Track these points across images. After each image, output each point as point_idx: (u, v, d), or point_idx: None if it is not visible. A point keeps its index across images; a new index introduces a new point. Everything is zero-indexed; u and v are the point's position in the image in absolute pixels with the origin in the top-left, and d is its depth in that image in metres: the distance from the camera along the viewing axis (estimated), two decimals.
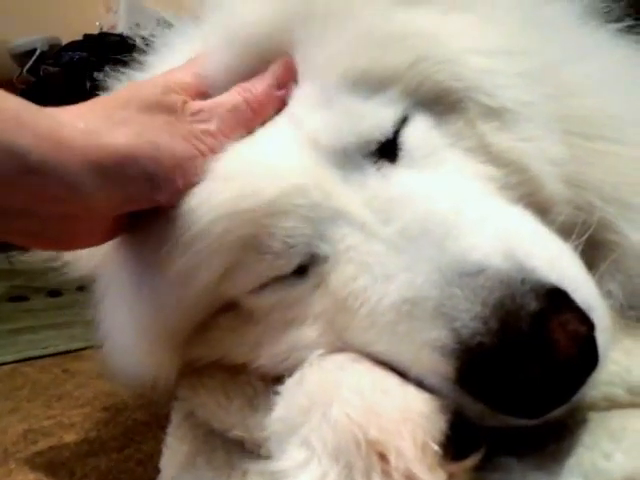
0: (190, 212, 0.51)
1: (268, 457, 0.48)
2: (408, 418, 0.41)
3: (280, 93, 0.55)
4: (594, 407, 0.46)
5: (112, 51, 2.26)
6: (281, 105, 0.55)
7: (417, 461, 0.39)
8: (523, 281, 0.42)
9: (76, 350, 1.31)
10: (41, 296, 1.74)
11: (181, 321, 0.56)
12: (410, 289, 0.45)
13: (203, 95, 0.55)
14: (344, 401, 0.43)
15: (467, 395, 0.42)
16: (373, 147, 0.53)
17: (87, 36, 2.60)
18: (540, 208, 0.54)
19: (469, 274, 0.43)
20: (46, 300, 1.72)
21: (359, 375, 0.47)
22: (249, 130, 0.54)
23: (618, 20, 0.63)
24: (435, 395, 0.44)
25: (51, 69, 2.53)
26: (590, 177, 0.55)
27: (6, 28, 2.87)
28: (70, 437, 0.89)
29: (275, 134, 0.53)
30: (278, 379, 0.51)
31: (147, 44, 0.66)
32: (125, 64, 0.66)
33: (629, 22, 0.63)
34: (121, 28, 2.69)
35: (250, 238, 0.51)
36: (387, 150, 0.53)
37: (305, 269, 0.52)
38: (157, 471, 0.60)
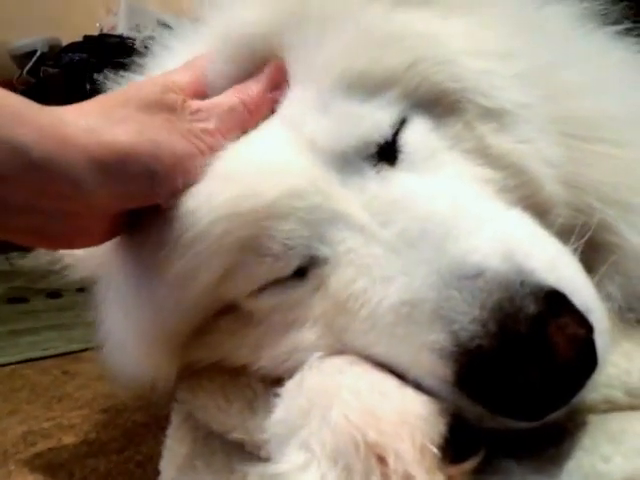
0: (189, 214, 0.51)
1: (268, 459, 0.48)
2: (407, 421, 0.41)
3: (273, 95, 0.55)
4: (593, 410, 0.46)
5: (112, 52, 2.27)
6: (273, 107, 0.56)
7: (416, 464, 0.39)
8: (522, 284, 0.42)
9: (76, 352, 1.32)
10: (41, 298, 1.74)
11: (180, 323, 0.56)
12: (409, 291, 0.45)
13: (200, 96, 0.56)
14: (343, 403, 0.43)
15: (466, 398, 0.42)
16: (372, 150, 0.53)
17: (87, 37, 2.60)
18: (539, 210, 0.54)
19: (468, 277, 0.43)
20: (46, 302, 1.72)
21: (358, 378, 0.47)
22: (245, 131, 0.55)
23: (616, 23, 0.63)
24: (434, 397, 0.44)
25: (51, 70, 2.53)
26: (589, 179, 0.55)
27: (6, 29, 2.87)
28: (69, 439, 0.89)
29: (274, 137, 0.53)
30: (278, 381, 0.51)
31: (146, 46, 0.66)
32: (125, 67, 0.66)
33: (627, 25, 0.63)
34: (121, 29, 2.69)
35: (249, 240, 0.51)
36: (386, 153, 0.53)
37: (304, 271, 0.52)
38: (156, 473, 0.60)
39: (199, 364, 0.61)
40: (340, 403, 0.43)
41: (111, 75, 0.65)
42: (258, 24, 0.56)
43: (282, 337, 0.54)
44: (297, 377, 0.50)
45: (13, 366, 1.27)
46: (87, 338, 0.76)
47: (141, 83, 0.56)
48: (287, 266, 0.52)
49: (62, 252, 0.72)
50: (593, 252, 0.53)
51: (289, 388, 0.49)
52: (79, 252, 0.70)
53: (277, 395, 0.49)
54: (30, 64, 2.71)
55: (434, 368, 0.43)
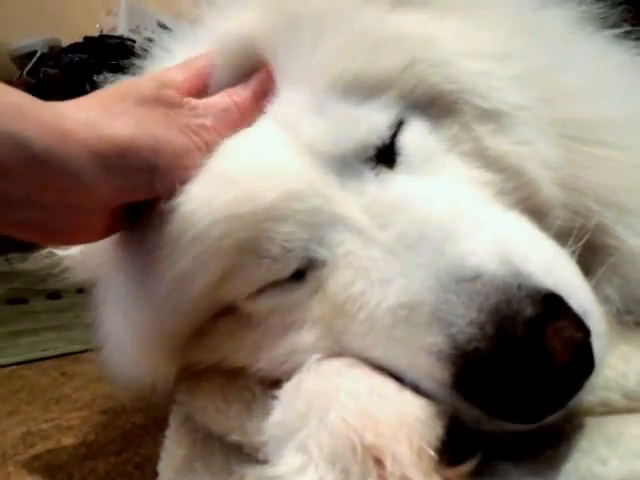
0: (188, 215, 0.51)
1: (266, 462, 0.48)
2: (404, 423, 0.41)
3: (261, 101, 0.56)
4: (591, 412, 0.46)
5: (112, 53, 2.27)
6: (260, 112, 0.56)
7: (413, 466, 0.39)
8: (519, 287, 0.42)
9: (75, 353, 1.32)
10: (40, 298, 1.74)
11: (179, 325, 0.56)
12: (407, 294, 0.45)
13: (194, 95, 0.56)
14: (341, 406, 0.43)
15: (463, 400, 0.42)
16: (371, 152, 0.53)
17: (87, 38, 2.61)
18: (537, 213, 0.54)
19: (465, 280, 0.43)
20: (45, 302, 1.72)
21: (356, 380, 0.47)
22: (237, 132, 0.55)
23: (614, 26, 0.63)
24: (431, 400, 0.44)
25: (51, 71, 2.53)
26: (587, 181, 0.55)
27: (6, 30, 2.87)
28: (68, 440, 0.89)
29: (272, 139, 0.53)
30: (276, 383, 0.51)
31: (145, 49, 0.67)
32: (124, 69, 0.66)
33: (625, 28, 0.64)
34: (121, 30, 2.69)
35: (248, 242, 0.51)
36: (385, 155, 0.53)
37: (303, 273, 0.52)
38: (155, 475, 0.60)
39: (198, 366, 0.61)
40: (338, 406, 0.44)
41: (110, 78, 0.65)
42: (253, 27, 0.56)
43: (280, 339, 0.54)
44: (295, 379, 0.50)
45: (12, 367, 1.27)
46: (86, 339, 0.76)
47: (136, 79, 0.56)
48: (285, 268, 0.52)
49: (62, 254, 0.72)
50: (591, 254, 0.53)
51: (287, 390, 0.49)
52: (78, 254, 0.70)
53: (275, 397, 0.49)
54: (30, 65, 2.72)
55: (432, 371, 0.43)
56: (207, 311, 0.56)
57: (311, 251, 0.51)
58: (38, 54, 2.75)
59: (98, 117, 0.49)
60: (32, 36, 2.82)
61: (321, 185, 0.51)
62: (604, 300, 0.52)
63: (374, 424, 0.41)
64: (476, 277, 0.43)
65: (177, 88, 0.55)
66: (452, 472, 0.41)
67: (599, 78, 0.60)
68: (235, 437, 0.55)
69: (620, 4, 0.64)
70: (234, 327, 0.57)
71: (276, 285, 0.53)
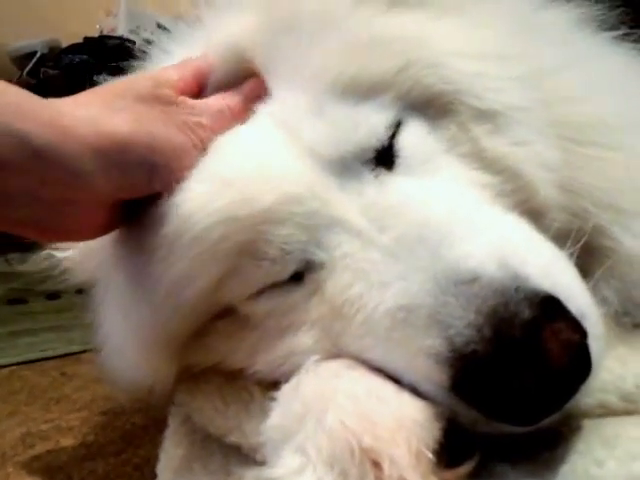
0: (187, 217, 0.51)
1: (264, 463, 0.48)
2: (402, 425, 0.41)
3: (252, 106, 0.57)
4: (588, 414, 0.46)
5: (112, 54, 2.27)
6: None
7: (411, 468, 0.39)
8: (517, 289, 0.42)
9: (75, 353, 1.32)
10: (40, 299, 1.74)
11: (177, 326, 0.56)
12: (405, 297, 0.45)
13: (189, 95, 0.57)
14: (339, 408, 0.44)
15: (461, 402, 0.42)
16: (370, 154, 0.53)
17: (87, 39, 2.61)
18: (535, 214, 0.54)
19: (463, 282, 0.43)
20: (45, 303, 1.72)
21: (354, 382, 0.47)
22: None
23: (613, 28, 0.64)
24: (429, 402, 0.44)
25: (51, 72, 2.53)
26: (584, 183, 0.56)
27: (6, 30, 2.87)
28: (68, 441, 0.89)
29: (271, 142, 0.53)
30: (275, 385, 0.51)
31: (144, 51, 0.67)
32: (123, 71, 0.66)
33: (624, 30, 0.64)
34: (121, 31, 2.69)
35: (246, 244, 0.51)
36: (384, 157, 0.53)
37: (301, 276, 0.52)
38: (154, 476, 0.60)
39: (197, 367, 0.61)
40: (336, 408, 0.44)
41: (110, 79, 0.65)
42: (248, 31, 0.56)
43: (279, 341, 0.54)
44: (293, 381, 0.50)
45: (12, 367, 1.27)
46: (86, 340, 0.76)
47: (133, 77, 0.57)
48: (284, 270, 0.52)
49: (61, 256, 0.72)
50: (588, 256, 0.53)
51: (285, 392, 0.49)
52: (77, 255, 0.70)
53: (273, 399, 0.50)
54: (30, 65, 2.72)
55: (430, 373, 0.43)
56: (206, 313, 0.56)
57: (309, 253, 0.51)
58: (38, 55, 2.75)
59: (97, 113, 0.49)
60: (32, 37, 2.82)
61: (320, 188, 0.51)
62: (602, 302, 0.52)
63: (372, 426, 0.41)
64: (474, 280, 0.43)
65: (173, 87, 0.55)
66: (450, 474, 0.41)
67: (597, 80, 0.60)
68: (233, 438, 0.55)
69: (618, 6, 0.64)
70: (232, 329, 0.57)
71: (274, 287, 0.53)
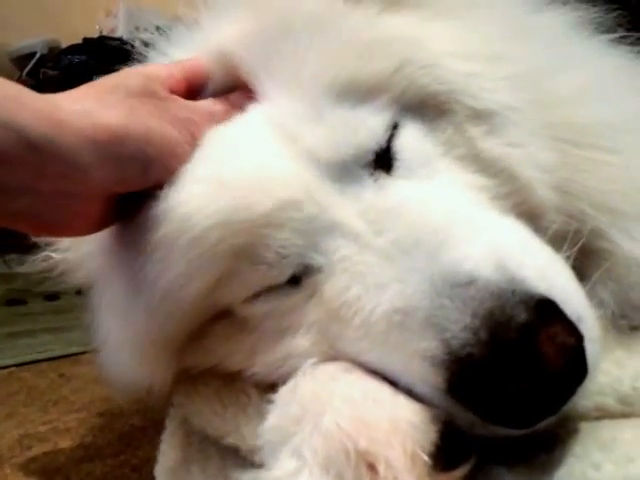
0: (184, 219, 0.51)
1: (262, 465, 0.48)
2: (398, 428, 0.41)
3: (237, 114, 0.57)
4: (585, 417, 0.46)
5: (112, 55, 2.27)
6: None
7: (406, 471, 0.39)
8: (513, 292, 0.42)
9: (73, 354, 1.32)
10: (39, 300, 1.74)
11: (174, 328, 0.56)
12: (401, 299, 0.45)
13: (178, 95, 0.57)
14: (335, 411, 0.44)
15: (457, 405, 0.42)
16: (370, 157, 0.53)
17: (87, 39, 2.61)
18: (532, 216, 0.54)
19: (460, 285, 0.43)
20: (44, 304, 1.72)
21: (351, 385, 0.47)
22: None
23: (610, 31, 0.64)
24: (426, 404, 0.44)
25: (50, 72, 2.54)
26: (581, 185, 0.56)
27: (6, 31, 2.87)
28: (65, 442, 0.89)
29: (271, 146, 0.53)
30: (272, 387, 0.51)
31: (143, 52, 0.67)
32: None
33: (621, 33, 0.64)
34: (121, 32, 2.69)
35: (244, 248, 0.51)
36: (383, 160, 0.53)
37: (298, 279, 0.52)
38: (152, 477, 0.61)
39: (195, 369, 0.61)
40: (332, 410, 0.44)
41: None
42: (240, 36, 0.56)
43: (276, 343, 0.54)
44: (291, 383, 0.50)
45: (10, 369, 1.27)
46: (85, 341, 0.76)
47: (123, 73, 0.57)
48: (281, 274, 0.52)
49: (59, 257, 0.72)
50: (586, 258, 0.54)
51: (282, 394, 0.49)
52: (75, 256, 0.70)
53: (271, 401, 0.50)
54: (29, 66, 2.72)
55: (426, 375, 0.43)
56: (203, 315, 0.56)
57: (307, 258, 0.51)
58: (37, 55, 2.75)
59: (92, 107, 0.50)
60: (31, 37, 2.83)
61: (319, 193, 0.51)
62: (599, 304, 0.52)
63: (368, 429, 0.41)
64: (470, 282, 0.43)
65: (162, 83, 0.56)
66: (446, 477, 0.41)
67: (594, 82, 0.60)
68: (231, 440, 0.55)
69: (615, 9, 0.64)
70: (230, 331, 0.57)
71: (272, 290, 0.53)
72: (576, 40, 0.63)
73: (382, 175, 0.53)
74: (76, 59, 2.50)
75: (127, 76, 0.56)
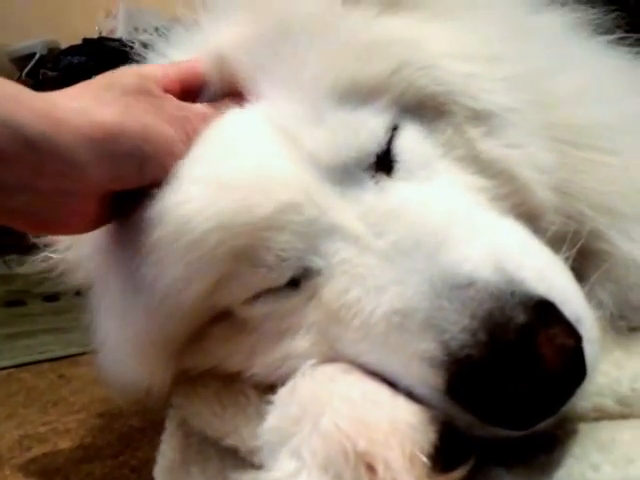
0: (184, 220, 0.51)
1: (262, 466, 0.48)
2: (397, 429, 0.41)
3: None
4: (584, 418, 0.46)
5: (111, 56, 2.27)
6: None
7: (405, 472, 0.39)
8: (512, 294, 0.42)
9: (73, 355, 1.32)
10: (38, 301, 1.74)
11: (173, 329, 0.56)
12: (400, 301, 0.45)
13: (171, 94, 0.57)
14: (334, 411, 0.44)
15: (456, 406, 0.42)
16: (372, 160, 0.53)
17: (86, 40, 2.61)
18: (531, 217, 0.54)
19: (459, 286, 0.43)
20: (43, 305, 1.72)
21: (350, 386, 0.47)
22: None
23: (608, 32, 0.64)
24: (425, 405, 0.44)
25: (50, 73, 2.54)
26: (580, 186, 0.56)
27: (5, 31, 2.88)
28: (65, 443, 0.89)
29: (272, 148, 0.53)
30: (271, 388, 0.51)
31: (142, 54, 0.67)
32: None
33: (619, 34, 0.64)
34: (120, 33, 2.69)
35: (243, 250, 0.51)
36: (383, 162, 0.53)
37: (298, 282, 0.52)
38: (151, 478, 0.61)
39: (194, 370, 0.61)
40: (331, 411, 0.44)
41: None
42: (237, 39, 0.57)
43: (275, 344, 0.54)
44: (290, 384, 0.50)
45: (10, 370, 1.27)
46: (84, 342, 0.77)
47: (118, 72, 0.57)
48: (281, 277, 0.52)
49: (58, 257, 0.72)
50: (585, 259, 0.54)
51: (282, 395, 0.49)
52: (74, 257, 0.70)
53: (270, 402, 0.50)
54: (29, 67, 2.72)
55: (425, 377, 0.43)
56: (202, 316, 0.56)
57: (306, 260, 0.51)
58: (37, 56, 2.75)
59: (89, 105, 0.50)
60: (31, 38, 2.83)
61: (319, 196, 0.51)
62: (598, 305, 0.52)
63: (367, 430, 0.41)
64: (470, 284, 0.43)
65: (156, 82, 0.56)
66: (444, 478, 0.41)
67: (593, 83, 0.60)
68: (230, 441, 0.55)
69: (614, 10, 0.64)
70: (230, 333, 0.57)
71: (271, 292, 0.53)
72: (575, 41, 0.63)
73: (383, 177, 0.53)
74: (75, 60, 2.50)
75: (122, 75, 0.56)
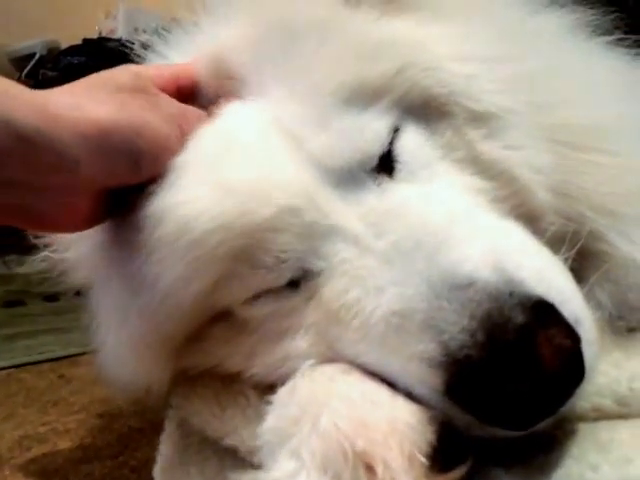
0: (184, 221, 0.51)
1: (261, 466, 0.48)
2: (395, 429, 0.41)
3: None
4: (583, 418, 0.46)
5: (111, 56, 2.27)
6: None
7: (403, 472, 0.39)
8: (511, 294, 0.42)
9: (73, 355, 1.32)
10: (38, 301, 1.74)
11: (173, 328, 0.56)
12: (400, 302, 0.45)
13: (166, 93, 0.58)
14: (333, 412, 0.44)
15: (455, 406, 0.42)
16: (375, 162, 0.53)
17: (86, 40, 2.61)
18: (530, 219, 0.54)
19: (458, 287, 0.44)
20: (43, 305, 1.72)
21: (349, 386, 0.47)
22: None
23: (607, 33, 0.64)
24: (424, 406, 0.44)
25: (50, 73, 2.54)
26: (580, 187, 0.56)
27: (5, 32, 2.88)
28: (65, 443, 0.89)
29: (275, 151, 0.53)
30: (271, 388, 0.51)
31: (141, 55, 0.67)
32: None
33: (618, 35, 0.64)
34: (120, 33, 2.69)
35: (243, 251, 0.51)
36: (385, 164, 0.53)
37: (298, 283, 0.52)
38: (151, 478, 0.61)
39: (194, 370, 0.61)
40: (330, 411, 0.44)
41: None
42: (243, 40, 0.56)
43: (275, 345, 0.54)
44: (289, 385, 0.50)
45: (9, 370, 1.27)
46: (84, 342, 0.77)
47: (112, 70, 0.57)
48: (280, 278, 0.52)
49: (58, 257, 0.72)
50: (584, 260, 0.54)
51: (281, 396, 0.49)
52: (74, 256, 0.70)
53: (269, 402, 0.50)
54: (29, 67, 2.72)
55: (424, 377, 0.44)
56: (202, 316, 0.56)
57: (306, 262, 0.51)
58: (37, 56, 2.75)
59: (82, 101, 0.50)
60: (31, 38, 2.83)
61: (320, 199, 0.51)
62: (597, 306, 0.52)
63: (366, 430, 0.41)
64: (469, 284, 0.43)
65: (151, 81, 0.56)
66: (443, 478, 0.41)
67: (592, 84, 0.60)
68: (230, 441, 0.55)
69: (613, 11, 0.65)
70: (230, 333, 0.57)
71: (271, 292, 0.53)
72: (574, 42, 0.63)
73: (385, 179, 0.53)
74: (75, 60, 2.50)
75: (117, 72, 0.56)
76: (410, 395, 0.45)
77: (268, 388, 0.52)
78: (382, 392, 0.46)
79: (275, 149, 0.53)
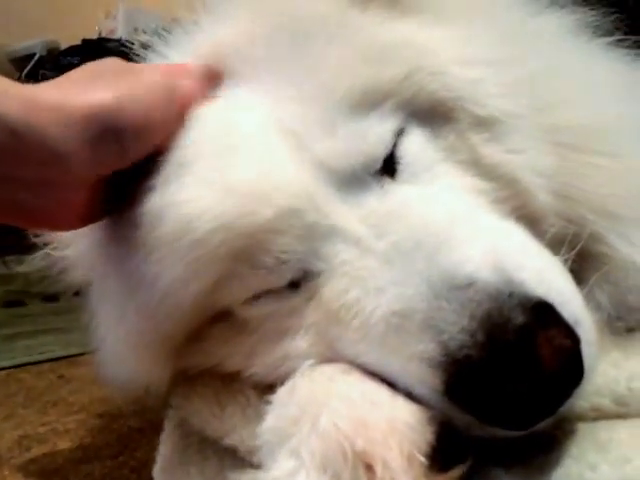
0: (185, 220, 0.51)
1: (260, 465, 0.48)
2: (395, 429, 0.41)
3: None
4: (582, 418, 0.46)
5: (111, 56, 2.27)
6: None
7: (403, 472, 0.39)
8: (511, 295, 0.42)
9: (72, 356, 1.32)
10: (37, 301, 1.74)
11: (172, 328, 0.56)
12: (399, 302, 0.45)
13: None
14: (333, 411, 0.44)
15: (455, 406, 0.42)
16: (379, 164, 0.53)
17: (86, 41, 2.61)
18: (531, 220, 0.54)
19: (458, 287, 0.44)
20: (43, 305, 1.72)
21: (349, 386, 0.47)
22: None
23: (608, 34, 0.64)
24: (424, 406, 0.44)
25: (49, 74, 2.53)
26: (580, 189, 0.56)
27: (5, 32, 2.88)
28: (64, 444, 0.89)
29: (278, 153, 0.52)
30: (270, 388, 0.51)
31: (140, 55, 0.67)
32: None
33: (619, 36, 0.64)
34: (120, 33, 2.70)
35: (244, 251, 0.51)
36: (388, 165, 0.53)
37: (298, 283, 0.52)
38: (151, 479, 0.61)
39: (193, 370, 0.61)
40: (330, 411, 0.44)
41: None
42: (243, 40, 0.56)
43: (275, 345, 0.54)
44: (289, 384, 0.50)
45: (9, 370, 1.27)
46: (84, 342, 0.77)
47: (102, 60, 0.57)
48: (280, 279, 0.52)
49: (58, 256, 0.72)
50: (584, 262, 0.54)
51: (281, 395, 0.49)
52: (73, 256, 0.70)
53: (269, 402, 0.50)
54: (29, 67, 2.73)
55: (424, 377, 0.44)
56: (201, 315, 0.56)
57: (307, 263, 0.51)
58: (37, 56, 2.75)
59: (68, 92, 0.50)
60: (31, 38, 2.83)
61: (322, 201, 0.51)
62: (596, 307, 0.52)
63: (365, 430, 0.42)
64: (469, 285, 0.44)
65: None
66: (442, 478, 0.41)
67: (592, 85, 0.60)
68: (230, 441, 0.55)
69: (613, 12, 0.65)
70: (230, 333, 0.57)
71: (271, 293, 0.53)
72: (574, 43, 0.63)
73: (387, 181, 0.53)
74: (75, 60, 2.50)
75: (103, 61, 0.57)
76: (410, 395, 0.45)
77: (268, 388, 0.52)
78: (382, 392, 0.46)
79: (277, 149, 0.52)
